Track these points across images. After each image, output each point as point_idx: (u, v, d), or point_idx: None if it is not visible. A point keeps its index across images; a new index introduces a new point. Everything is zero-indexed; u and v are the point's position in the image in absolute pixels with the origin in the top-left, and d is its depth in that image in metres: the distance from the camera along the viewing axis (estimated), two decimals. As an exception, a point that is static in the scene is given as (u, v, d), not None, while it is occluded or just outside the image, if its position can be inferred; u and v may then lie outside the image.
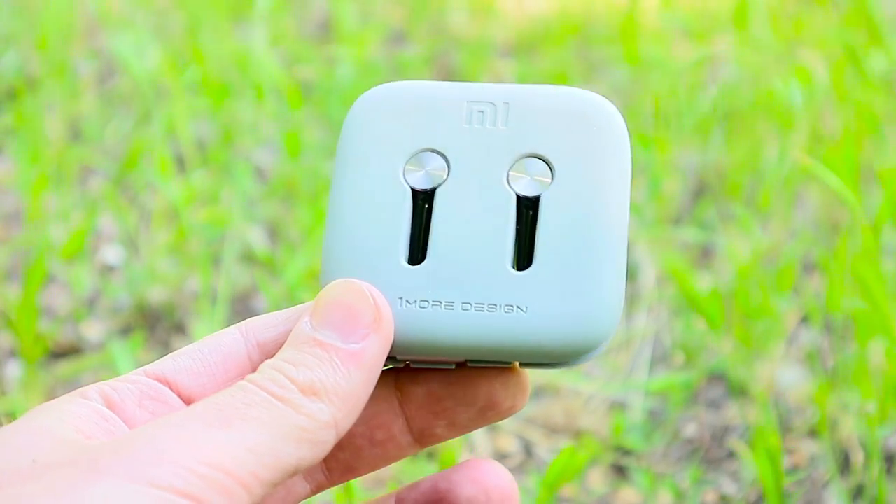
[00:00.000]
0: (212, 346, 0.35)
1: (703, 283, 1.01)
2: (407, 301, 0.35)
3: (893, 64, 1.09)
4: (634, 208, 1.06)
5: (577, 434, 0.83)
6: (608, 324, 0.35)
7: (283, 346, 0.32)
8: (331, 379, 0.31)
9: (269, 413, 0.30)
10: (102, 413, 0.32)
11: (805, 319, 0.94)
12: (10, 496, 0.27)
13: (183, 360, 0.34)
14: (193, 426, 0.29)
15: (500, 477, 0.36)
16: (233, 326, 0.36)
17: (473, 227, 0.36)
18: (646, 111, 1.25)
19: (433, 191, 0.37)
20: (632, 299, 0.99)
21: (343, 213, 0.37)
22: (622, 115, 0.38)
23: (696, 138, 1.23)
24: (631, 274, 1.02)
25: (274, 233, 1.10)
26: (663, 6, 1.48)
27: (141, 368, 0.34)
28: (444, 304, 0.35)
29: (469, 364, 0.36)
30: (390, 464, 0.38)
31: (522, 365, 0.36)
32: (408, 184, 0.37)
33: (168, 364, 0.34)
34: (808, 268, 1.02)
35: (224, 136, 1.20)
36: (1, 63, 1.41)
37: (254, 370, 0.33)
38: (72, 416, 0.31)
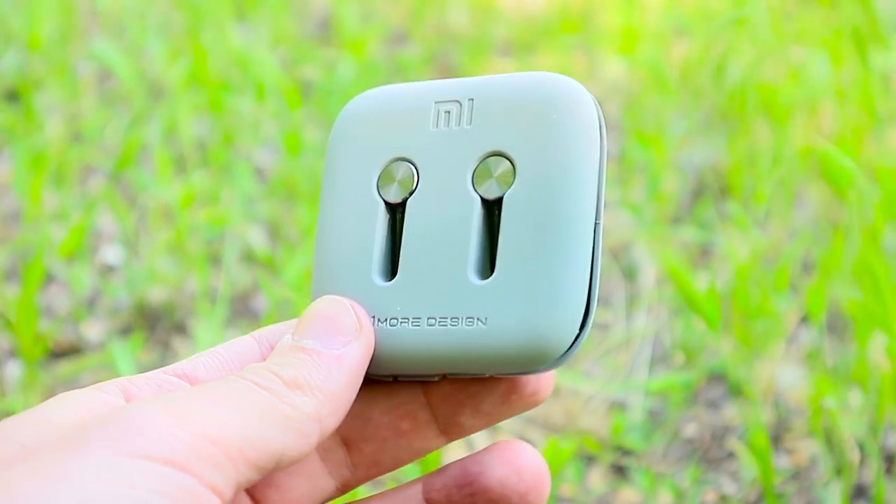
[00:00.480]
0: (227, 348, 0.36)
1: (702, 282, 1.01)
2: (379, 320, 0.35)
3: (893, 62, 1.09)
4: (634, 208, 1.06)
5: (578, 434, 0.83)
6: (566, 333, 0.33)
7: (269, 357, 0.33)
8: (314, 376, 0.32)
9: (255, 399, 0.31)
10: (108, 402, 0.32)
11: (805, 319, 0.94)
12: None
13: (200, 358, 0.35)
14: (181, 402, 0.30)
15: (531, 458, 0.35)
16: (245, 335, 0.37)
17: (438, 237, 0.35)
18: (645, 110, 1.25)
19: (405, 201, 0.36)
20: (632, 299, 0.99)
21: (325, 232, 0.37)
22: (593, 99, 0.35)
23: (696, 137, 1.23)
24: (631, 274, 1.02)
25: (274, 233, 1.10)
26: (663, 4, 1.48)
27: (160, 368, 0.35)
28: (411, 320, 0.35)
29: (448, 376, 0.36)
30: (417, 458, 0.38)
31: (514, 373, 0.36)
32: (381, 197, 0.36)
33: (186, 363, 0.35)
34: (808, 267, 1.02)
35: (224, 136, 1.20)
36: (1, 63, 1.41)
37: None
38: (76, 405, 0.31)
